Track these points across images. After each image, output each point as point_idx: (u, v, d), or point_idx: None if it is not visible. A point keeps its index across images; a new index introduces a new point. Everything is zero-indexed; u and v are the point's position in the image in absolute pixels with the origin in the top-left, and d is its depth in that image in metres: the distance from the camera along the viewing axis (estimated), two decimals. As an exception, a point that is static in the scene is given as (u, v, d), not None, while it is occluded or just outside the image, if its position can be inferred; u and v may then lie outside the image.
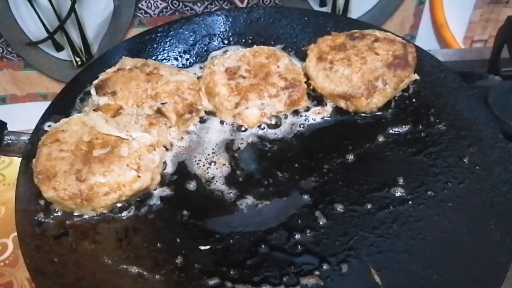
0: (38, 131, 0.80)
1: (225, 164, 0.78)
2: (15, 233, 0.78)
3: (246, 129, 0.82)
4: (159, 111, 0.80)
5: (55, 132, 0.75)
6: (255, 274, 0.65)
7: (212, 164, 0.78)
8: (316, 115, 0.84)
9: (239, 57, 0.88)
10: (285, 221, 0.71)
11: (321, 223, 0.70)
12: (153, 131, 0.78)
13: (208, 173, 0.77)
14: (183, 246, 0.69)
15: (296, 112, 0.84)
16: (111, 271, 0.66)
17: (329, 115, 0.84)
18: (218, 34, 0.98)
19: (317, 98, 0.86)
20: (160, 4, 1.11)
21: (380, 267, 0.65)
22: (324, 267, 0.66)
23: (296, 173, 0.77)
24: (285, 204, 0.73)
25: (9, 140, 0.79)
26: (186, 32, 0.98)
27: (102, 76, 0.84)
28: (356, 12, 1.21)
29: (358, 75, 0.82)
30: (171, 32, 0.97)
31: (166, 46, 0.96)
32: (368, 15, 1.22)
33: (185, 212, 0.72)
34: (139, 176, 0.71)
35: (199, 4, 1.12)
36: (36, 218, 0.71)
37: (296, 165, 0.78)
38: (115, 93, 0.81)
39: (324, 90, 0.84)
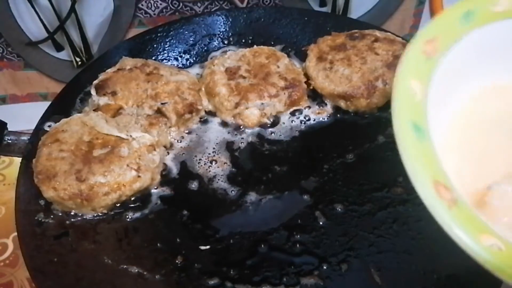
0: (38, 131, 0.80)
1: (226, 163, 0.78)
2: (15, 233, 0.78)
3: (246, 129, 0.82)
4: (159, 111, 0.80)
5: (55, 132, 0.75)
6: (255, 274, 0.65)
7: (213, 163, 0.78)
8: (316, 115, 0.84)
9: (239, 57, 0.88)
10: (285, 221, 0.71)
11: (321, 223, 0.70)
12: (153, 131, 0.78)
13: (209, 171, 0.77)
14: (183, 246, 0.69)
15: (296, 112, 0.84)
16: (111, 271, 0.66)
17: (329, 115, 0.84)
18: (218, 34, 0.98)
19: (317, 98, 0.86)
20: (160, 4, 1.11)
21: (380, 267, 0.65)
22: (324, 267, 0.66)
23: (296, 173, 0.77)
24: (285, 204, 0.73)
25: (9, 140, 0.79)
26: (186, 32, 0.98)
27: (102, 76, 0.84)
28: (356, 12, 1.21)
29: (358, 75, 0.82)
30: (171, 32, 0.97)
31: (166, 46, 0.96)
32: (368, 15, 1.22)
33: (185, 212, 0.72)
34: (139, 176, 0.71)
35: (199, 4, 1.12)
36: (36, 218, 0.71)
37: (296, 165, 0.78)
38: (115, 93, 0.81)
39: (324, 90, 0.84)
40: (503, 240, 0.40)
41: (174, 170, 0.77)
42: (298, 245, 0.68)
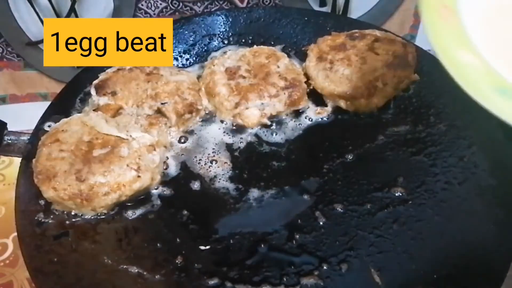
0: (38, 131, 0.80)
1: (226, 162, 0.78)
2: (15, 233, 0.78)
3: (246, 129, 0.82)
4: (159, 111, 0.80)
5: (55, 132, 0.75)
6: (255, 274, 0.65)
7: (214, 162, 0.78)
8: (316, 115, 0.84)
9: (239, 57, 0.88)
10: (285, 221, 0.71)
11: (321, 223, 0.70)
12: (153, 131, 0.78)
13: (210, 171, 0.77)
14: (183, 246, 0.69)
15: (296, 112, 0.84)
16: (111, 271, 0.66)
17: (329, 115, 0.84)
18: (218, 34, 0.98)
19: (317, 98, 0.86)
20: (160, 4, 1.11)
21: (380, 267, 0.65)
22: (324, 267, 0.66)
23: (296, 173, 0.77)
24: (285, 204, 0.73)
25: (9, 140, 0.79)
26: (186, 32, 0.98)
27: (102, 76, 0.84)
28: (356, 12, 1.21)
29: (358, 75, 0.82)
30: (171, 32, 0.97)
31: (166, 46, 0.96)
32: (368, 15, 1.22)
33: (185, 212, 0.72)
34: (139, 176, 0.71)
35: (199, 4, 1.12)
36: (36, 218, 0.71)
37: (296, 165, 0.78)
38: (115, 93, 0.81)
39: (324, 90, 0.84)
40: None
41: (174, 170, 0.77)
42: (298, 245, 0.68)
